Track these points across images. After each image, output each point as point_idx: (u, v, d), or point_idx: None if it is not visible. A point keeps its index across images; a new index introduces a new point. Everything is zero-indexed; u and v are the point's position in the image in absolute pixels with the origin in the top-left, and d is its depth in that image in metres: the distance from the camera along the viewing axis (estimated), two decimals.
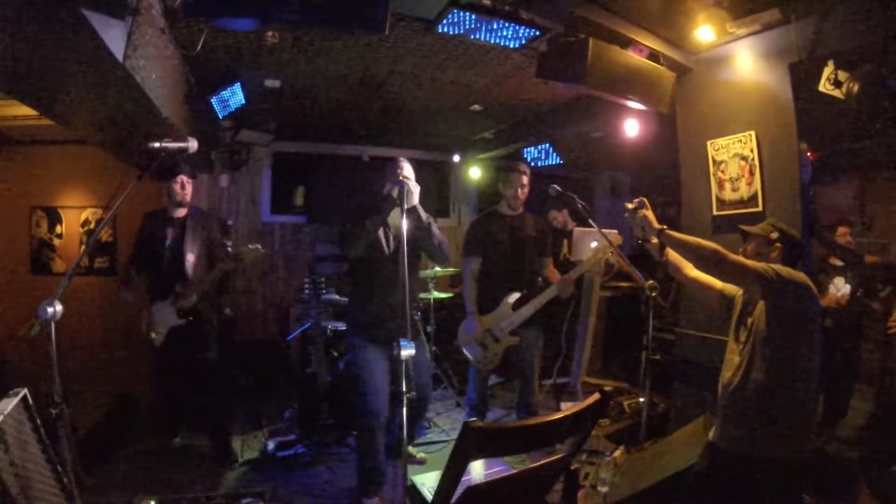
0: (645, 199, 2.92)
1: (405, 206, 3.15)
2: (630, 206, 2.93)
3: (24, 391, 2.81)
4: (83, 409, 4.77)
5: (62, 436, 2.18)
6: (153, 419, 4.97)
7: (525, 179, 4.35)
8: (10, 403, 2.66)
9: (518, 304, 4.29)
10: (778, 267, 2.41)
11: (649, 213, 2.85)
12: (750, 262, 2.47)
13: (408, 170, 3.61)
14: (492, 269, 4.37)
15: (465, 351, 4.42)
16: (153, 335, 4.14)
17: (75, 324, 6.23)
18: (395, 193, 3.30)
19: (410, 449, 4.31)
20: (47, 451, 2.84)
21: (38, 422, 2.82)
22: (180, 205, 4.34)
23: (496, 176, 4.50)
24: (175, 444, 4.56)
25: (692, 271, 2.85)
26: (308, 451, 4.41)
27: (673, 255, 2.87)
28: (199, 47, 3.47)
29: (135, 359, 6.37)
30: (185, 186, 4.33)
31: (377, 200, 3.57)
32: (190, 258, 4.23)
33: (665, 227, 2.78)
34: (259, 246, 4.13)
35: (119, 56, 2.77)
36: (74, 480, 2.41)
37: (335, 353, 5.09)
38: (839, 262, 4.96)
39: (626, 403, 4.94)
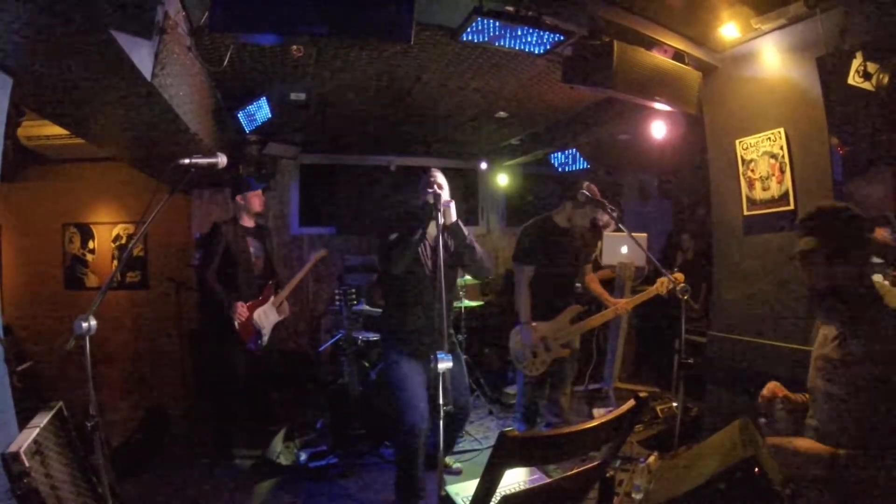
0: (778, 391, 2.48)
1: (441, 218, 3.05)
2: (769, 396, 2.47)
3: (60, 404, 2.86)
4: (116, 421, 4.84)
5: (97, 448, 2.20)
6: (190, 433, 5.03)
7: None
8: (47, 417, 2.72)
9: (576, 320, 4.27)
10: None
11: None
12: None
13: (441, 179, 3.49)
14: (547, 278, 4.26)
15: (514, 355, 4.38)
16: (263, 339, 4.58)
17: (108, 337, 6.35)
18: (430, 200, 3.17)
19: (447, 459, 4.28)
20: (82, 463, 2.89)
21: (74, 434, 2.88)
22: (259, 215, 4.76)
23: (570, 191, 4.18)
24: (238, 464, 4.52)
25: None
26: (340, 462, 4.40)
27: None
28: (225, 63, 3.50)
29: (166, 371, 6.48)
30: (263, 199, 4.80)
31: (412, 210, 3.50)
32: (269, 263, 4.79)
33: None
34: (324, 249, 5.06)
35: (147, 75, 2.83)
36: (108, 492, 2.43)
37: (366, 364, 5.07)
38: (878, 259, 4.83)
39: (658, 408, 4.86)
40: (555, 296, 4.30)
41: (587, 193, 3.88)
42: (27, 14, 2.19)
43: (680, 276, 3.98)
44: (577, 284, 4.52)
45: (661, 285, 4.29)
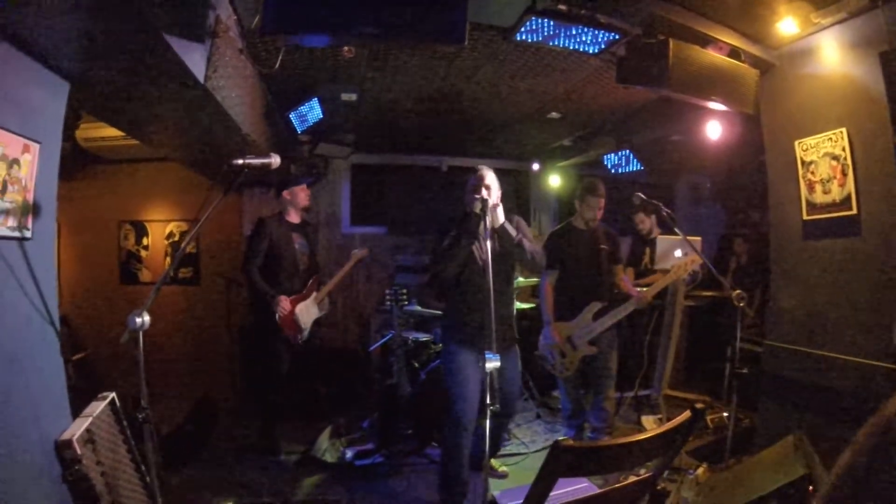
0: None
1: (488, 222, 3.10)
2: None
3: (113, 395, 2.95)
4: (165, 411, 4.95)
5: (147, 438, 2.25)
6: (237, 427, 5.12)
7: (603, 202, 4.41)
8: (100, 406, 2.80)
9: (598, 315, 4.33)
10: None
11: None
12: None
13: (490, 179, 3.48)
14: (570, 280, 4.43)
15: (544, 356, 4.49)
16: (304, 334, 4.61)
17: (159, 329, 6.50)
18: (476, 209, 3.25)
19: (492, 462, 4.27)
20: (132, 452, 2.97)
21: (125, 424, 2.95)
22: (306, 210, 4.84)
23: (575, 193, 4.54)
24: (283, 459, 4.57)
25: None
26: (386, 461, 4.42)
27: None
28: (276, 65, 3.53)
29: (215, 366, 6.62)
30: (308, 194, 4.85)
31: (462, 215, 3.51)
32: (313, 259, 4.85)
33: None
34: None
35: (200, 77, 2.88)
36: (157, 482, 2.48)
37: (416, 365, 5.03)
38: None
39: (709, 418, 4.73)
40: (579, 296, 4.42)
41: (642, 196, 3.86)
42: (83, 21, 2.25)
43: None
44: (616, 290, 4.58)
45: (677, 270, 4.32)
